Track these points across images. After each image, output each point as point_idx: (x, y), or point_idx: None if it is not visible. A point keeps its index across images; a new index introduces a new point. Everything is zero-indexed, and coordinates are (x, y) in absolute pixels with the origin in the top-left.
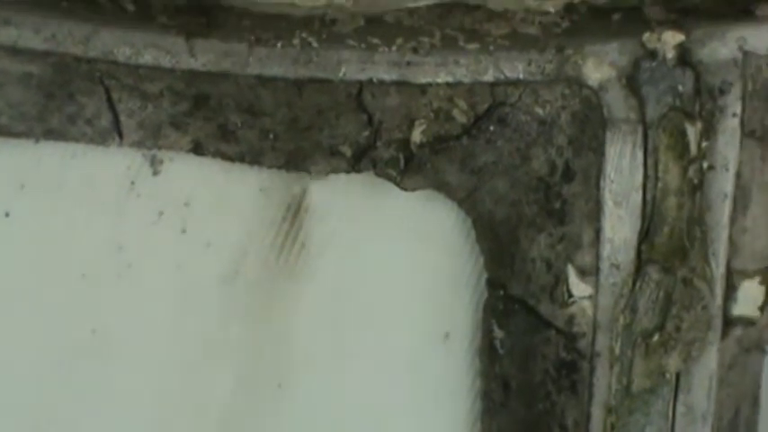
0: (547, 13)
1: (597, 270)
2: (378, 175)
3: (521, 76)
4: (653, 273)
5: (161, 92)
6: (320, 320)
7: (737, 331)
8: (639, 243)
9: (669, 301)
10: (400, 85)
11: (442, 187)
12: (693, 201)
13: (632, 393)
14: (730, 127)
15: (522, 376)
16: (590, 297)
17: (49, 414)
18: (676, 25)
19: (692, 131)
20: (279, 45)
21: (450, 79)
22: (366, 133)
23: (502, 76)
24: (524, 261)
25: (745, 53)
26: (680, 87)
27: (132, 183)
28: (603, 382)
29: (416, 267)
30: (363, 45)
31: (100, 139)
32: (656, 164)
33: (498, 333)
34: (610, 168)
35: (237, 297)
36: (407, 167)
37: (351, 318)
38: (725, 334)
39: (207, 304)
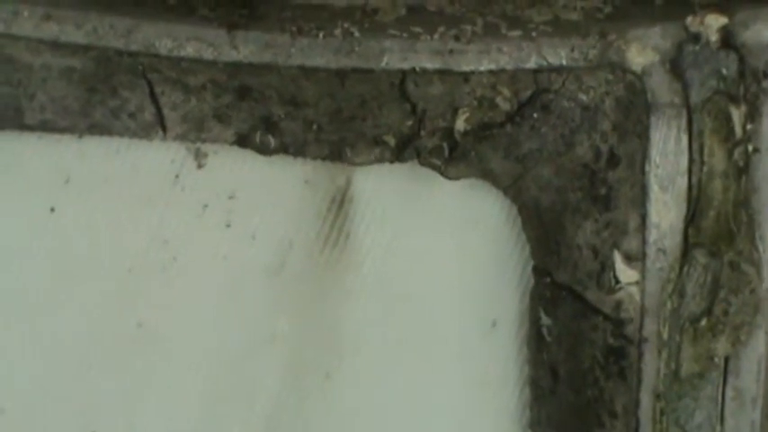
0: None
1: (644, 255)
2: (422, 164)
3: (564, 63)
4: (700, 257)
5: (203, 84)
6: (367, 310)
7: None
8: (686, 227)
9: (716, 285)
10: (443, 73)
11: (486, 175)
12: (739, 184)
13: (681, 378)
14: None
15: (570, 363)
16: (637, 283)
17: (96, 407)
18: (719, 8)
19: (737, 115)
20: (321, 35)
21: (492, 67)
22: (409, 122)
23: (545, 63)
24: (570, 248)
25: None
26: (724, 70)
27: (176, 176)
28: (652, 368)
29: (462, 256)
30: (405, 34)
31: (143, 132)
32: (700, 148)
33: (545, 320)
34: (655, 153)
35: (284, 289)
36: (451, 156)
37: (397, 307)
38: None
39: (253, 296)
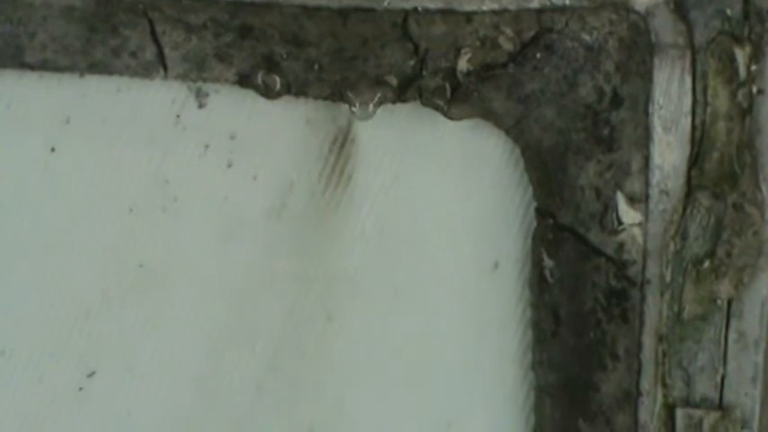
0: None
1: (647, 197)
2: (424, 104)
3: (567, 2)
4: (703, 199)
5: (205, 23)
6: (369, 252)
7: None
8: (689, 169)
9: (720, 226)
10: (446, 13)
11: (489, 116)
12: (743, 125)
13: (683, 321)
14: None
15: (572, 305)
16: (640, 224)
17: (97, 348)
18: None
19: (741, 55)
20: None
21: (495, 6)
22: (412, 62)
23: (548, 3)
24: (573, 189)
25: None
26: (728, 11)
27: (178, 116)
28: (654, 310)
29: (464, 197)
30: None
31: (144, 72)
32: (704, 89)
33: (548, 262)
34: (658, 94)
35: (285, 230)
36: (454, 96)
37: (399, 249)
38: None
39: (254, 237)
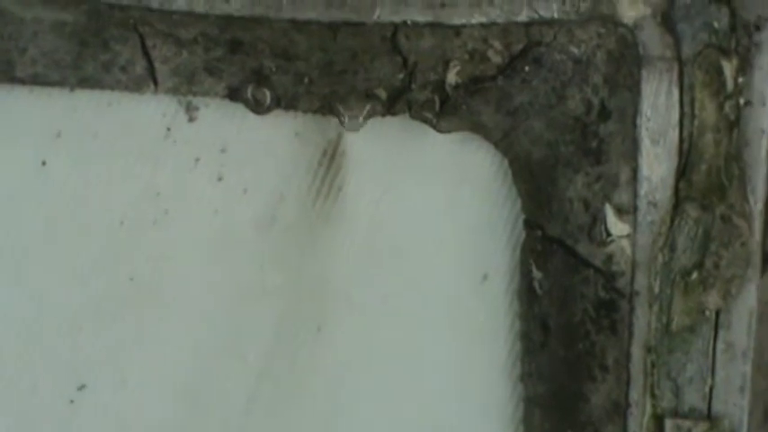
0: None
1: (635, 208)
2: (413, 117)
3: (555, 16)
4: (691, 210)
5: (195, 38)
6: (358, 264)
7: None
8: (677, 181)
9: (707, 238)
10: (434, 26)
11: (478, 129)
12: (730, 137)
13: (672, 332)
14: (767, 62)
15: (561, 317)
16: (628, 236)
17: (87, 361)
18: None
19: (728, 68)
20: None
21: (484, 20)
22: (401, 76)
23: (536, 16)
24: (562, 201)
25: None
26: (715, 24)
27: (168, 129)
28: (643, 321)
29: (454, 210)
30: None
31: (135, 86)
32: (692, 101)
33: (537, 274)
34: (646, 106)
35: (275, 242)
36: (443, 109)
37: (389, 261)
38: (764, 270)
39: (244, 250)
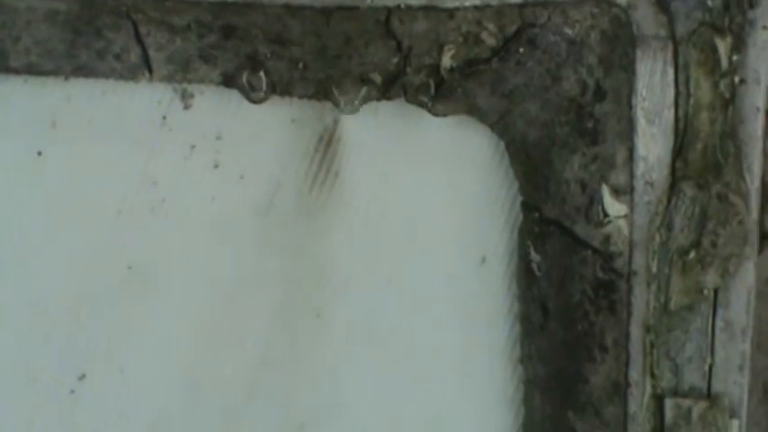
0: None
1: (632, 189)
2: (409, 101)
3: None
4: (687, 189)
5: (188, 24)
6: (356, 249)
7: None
8: (673, 160)
9: (705, 217)
10: (428, 9)
11: (473, 112)
12: (726, 115)
13: (671, 311)
14: (761, 40)
15: (559, 298)
16: (625, 216)
17: (86, 350)
18: None
19: (723, 46)
20: None
21: (477, 2)
22: (395, 60)
23: None
24: (558, 183)
25: None
26: (709, 2)
27: (164, 117)
28: (641, 301)
29: (451, 193)
30: None
31: (129, 74)
32: (687, 80)
33: (535, 256)
34: (641, 86)
35: (272, 228)
36: (438, 93)
37: (387, 246)
38: (762, 248)
39: (242, 237)
